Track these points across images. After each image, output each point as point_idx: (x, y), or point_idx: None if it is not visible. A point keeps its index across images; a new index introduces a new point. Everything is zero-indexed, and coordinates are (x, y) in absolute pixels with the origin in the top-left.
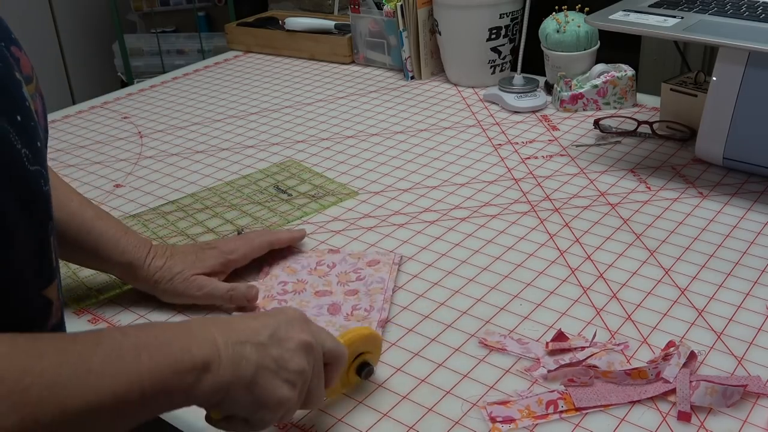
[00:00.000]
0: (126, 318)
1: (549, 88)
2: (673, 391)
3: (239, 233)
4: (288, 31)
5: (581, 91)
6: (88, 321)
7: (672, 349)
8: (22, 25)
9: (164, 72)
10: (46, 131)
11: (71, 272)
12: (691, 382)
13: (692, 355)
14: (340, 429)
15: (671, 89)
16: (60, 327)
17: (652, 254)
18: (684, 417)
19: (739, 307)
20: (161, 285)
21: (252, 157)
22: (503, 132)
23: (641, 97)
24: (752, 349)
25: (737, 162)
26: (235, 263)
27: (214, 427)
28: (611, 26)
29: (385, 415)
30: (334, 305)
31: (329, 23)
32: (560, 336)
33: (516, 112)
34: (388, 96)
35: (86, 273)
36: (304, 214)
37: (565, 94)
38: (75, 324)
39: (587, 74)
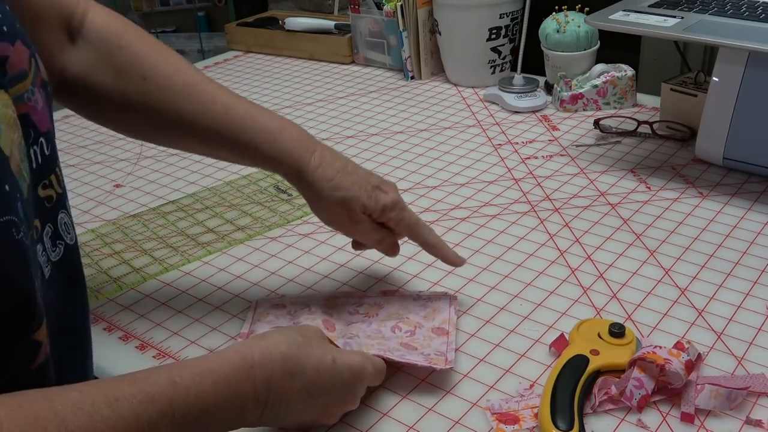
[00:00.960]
0: (125, 318)
1: (549, 88)
2: (676, 392)
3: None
4: (288, 31)
5: (581, 91)
6: None
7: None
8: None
9: None
10: (52, 121)
11: None
12: (696, 384)
13: (698, 357)
14: (340, 429)
15: (671, 89)
16: (46, 366)
17: (652, 254)
18: (687, 419)
19: (739, 307)
20: (323, 202)
21: None
22: (503, 132)
23: (641, 97)
24: (752, 349)
25: (737, 162)
26: (388, 219)
27: None
28: (611, 26)
29: (385, 415)
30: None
31: (329, 23)
32: (561, 339)
33: (516, 112)
34: (388, 96)
35: (86, 273)
36: (304, 214)
37: (565, 94)
38: None
39: (587, 74)
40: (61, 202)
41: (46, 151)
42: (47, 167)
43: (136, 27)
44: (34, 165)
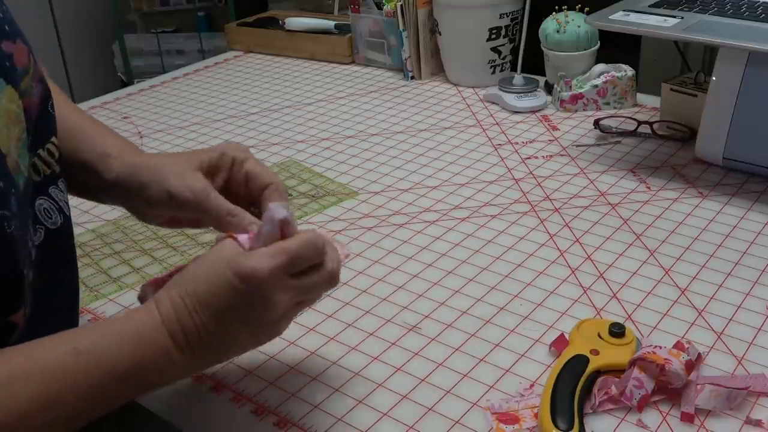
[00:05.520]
0: None
1: (549, 88)
2: (676, 392)
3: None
4: (288, 31)
5: (581, 91)
6: (88, 321)
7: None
8: (23, 25)
9: (164, 72)
10: (46, 118)
11: None
12: (696, 384)
13: (698, 357)
14: (340, 429)
15: (671, 89)
16: (20, 342)
17: (652, 254)
18: (687, 419)
19: (739, 307)
20: (143, 176)
21: None
22: (503, 132)
23: (641, 97)
24: (752, 349)
25: (737, 162)
26: (234, 159)
27: None
28: (611, 26)
29: (385, 414)
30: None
31: (329, 23)
32: (561, 339)
33: (516, 112)
34: (388, 96)
35: (86, 273)
36: (304, 214)
37: (565, 94)
38: None
39: (587, 74)
40: (40, 188)
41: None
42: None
43: None
44: None
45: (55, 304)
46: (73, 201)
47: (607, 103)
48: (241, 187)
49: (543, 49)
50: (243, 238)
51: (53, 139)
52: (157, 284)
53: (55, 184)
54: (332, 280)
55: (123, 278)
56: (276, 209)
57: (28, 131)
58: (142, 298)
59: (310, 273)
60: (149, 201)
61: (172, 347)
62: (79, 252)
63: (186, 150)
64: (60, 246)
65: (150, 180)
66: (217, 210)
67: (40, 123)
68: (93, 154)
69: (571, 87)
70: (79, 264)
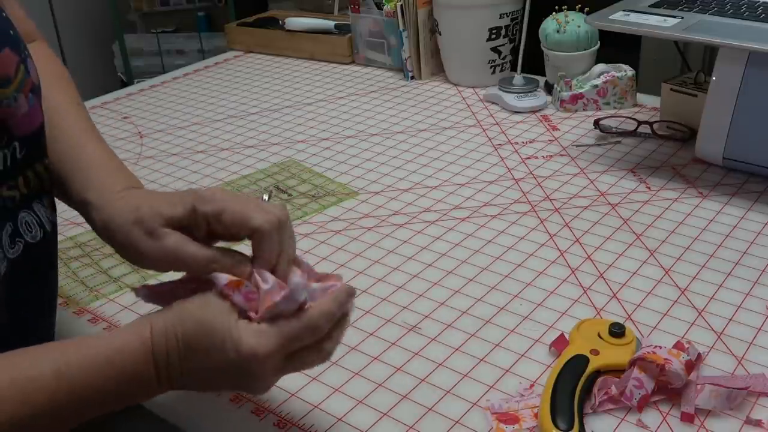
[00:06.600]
0: (126, 317)
1: (549, 88)
2: (676, 392)
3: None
4: (288, 31)
5: (581, 91)
6: (88, 321)
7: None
8: None
9: (164, 72)
10: (42, 125)
11: (71, 272)
12: (696, 384)
13: (698, 357)
14: (340, 429)
15: (671, 89)
16: None
17: (652, 254)
18: (687, 419)
19: (739, 307)
20: (117, 237)
21: (252, 157)
22: (503, 132)
23: (641, 97)
24: (752, 349)
25: (737, 162)
26: (206, 215)
27: None
28: (611, 26)
29: (385, 414)
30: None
31: (329, 23)
32: (561, 339)
33: (516, 112)
34: (388, 96)
35: (86, 273)
36: (304, 214)
37: (565, 94)
38: (75, 324)
39: (587, 74)
40: (25, 202)
41: (17, 155)
42: (16, 170)
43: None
44: (1, 167)
45: (32, 320)
46: None
47: (607, 103)
48: (226, 233)
49: (543, 49)
50: (239, 299)
51: (46, 160)
52: (153, 291)
53: (40, 199)
54: (325, 359)
55: (123, 278)
56: (297, 290)
57: (7, 142)
58: (139, 294)
59: (305, 354)
60: (131, 261)
61: (154, 378)
62: (78, 252)
63: (184, 150)
64: (36, 262)
65: (124, 241)
66: (195, 263)
67: (42, 138)
68: (77, 197)
69: (571, 87)
70: (79, 264)
